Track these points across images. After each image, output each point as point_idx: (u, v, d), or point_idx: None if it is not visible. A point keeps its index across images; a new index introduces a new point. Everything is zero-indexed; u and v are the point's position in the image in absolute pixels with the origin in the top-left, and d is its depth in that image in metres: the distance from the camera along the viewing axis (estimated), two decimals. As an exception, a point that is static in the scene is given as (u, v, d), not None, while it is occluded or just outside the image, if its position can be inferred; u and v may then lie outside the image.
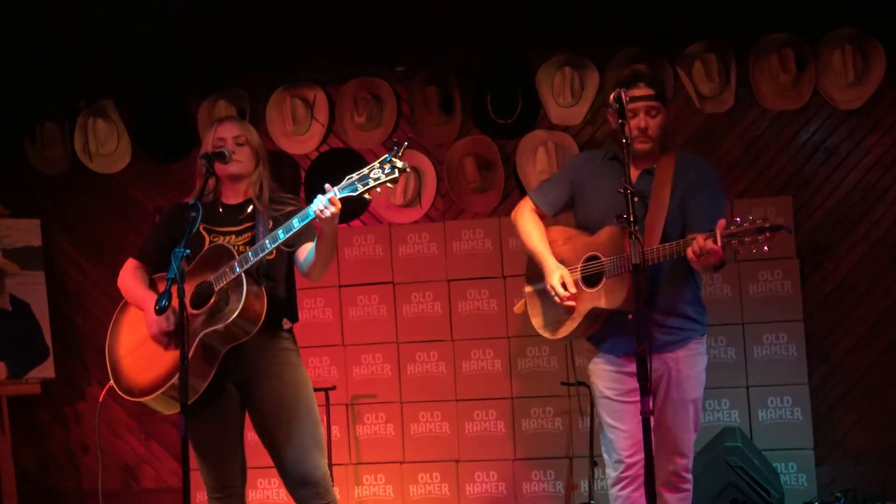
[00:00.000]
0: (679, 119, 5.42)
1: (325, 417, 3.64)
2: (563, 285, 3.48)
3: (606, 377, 3.54)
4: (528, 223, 3.70)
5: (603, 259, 3.42)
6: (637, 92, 3.44)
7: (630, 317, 3.36)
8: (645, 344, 3.03)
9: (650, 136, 3.45)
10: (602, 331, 3.53)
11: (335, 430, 5.38)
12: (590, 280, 3.47)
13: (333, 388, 5.27)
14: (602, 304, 3.41)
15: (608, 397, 3.53)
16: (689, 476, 3.54)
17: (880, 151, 5.31)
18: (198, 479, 3.80)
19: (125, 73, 5.69)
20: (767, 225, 3.05)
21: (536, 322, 3.70)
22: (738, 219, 3.11)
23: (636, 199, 3.25)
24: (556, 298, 3.49)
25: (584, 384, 5.06)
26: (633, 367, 3.37)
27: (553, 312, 3.61)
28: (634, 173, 3.48)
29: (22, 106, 5.99)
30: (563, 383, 5.17)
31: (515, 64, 5.63)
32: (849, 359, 5.28)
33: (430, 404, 5.43)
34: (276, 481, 5.45)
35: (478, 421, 5.38)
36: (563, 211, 3.71)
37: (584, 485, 5.10)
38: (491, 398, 5.37)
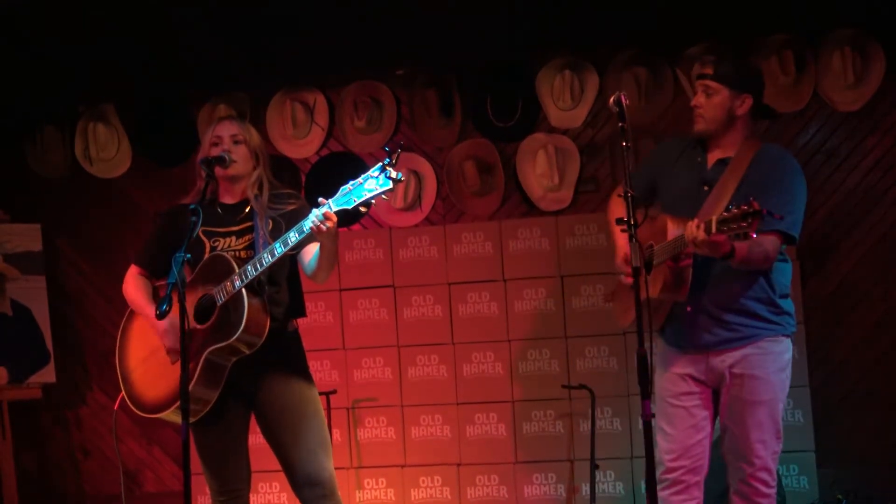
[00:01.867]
0: (680, 121, 5.41)
1: (326, 421, 3.64)
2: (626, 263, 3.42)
3: (663, 376, 3.52)
4: (614, 205, 3.66)
5: (655, 247, 3.40)
6: (699, 70, 3.48)
7: (689, 308, 3.37)
8: (647, 346, 3.00)
9: (701, 114, 3.43)
10: (670, 323, 3.49)
11: (336, 433, 5.37)
12: (647, 268, 3.42)
13: (334, 391, 5.26)
14: (650, 292, 3.35)
15: (660, 397, 3.50)
16: (765, 489, 3.38)
17: (880, 153, 5.31)
18: (199, 483, 3.80)
19: (125, 77, 5.69)
20: (752, 211, 2.97)
21: (616, 311, 3.74)
22: (730, 205, 3.10)
23: (705, 187, 3.24)
24: (622, 276, 3.50)
25: (586, 387, 5.09)
26: (691, 370, 3.42)
27: (622, 300, 3.61)
28: (712, 160, 3.46)
29: (22, 110, 5.99)
30: (563, 386, 5.16)
31: (515, 67, 5.63)
32: (849, 360, 5.27)
33: (431, 408, 5.42)
34: (277, 485, 5.45)
35: (479, 424, 5.37)
36: (651, 200, 3.63)
37: (585, 488, 5.10)
38: (492, 401, 5.36)
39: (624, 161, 3.16)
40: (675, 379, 3.47)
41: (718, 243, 3.13)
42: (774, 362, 3.41)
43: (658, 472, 3.46)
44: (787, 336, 3.45)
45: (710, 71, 3.44)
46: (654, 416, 3.03)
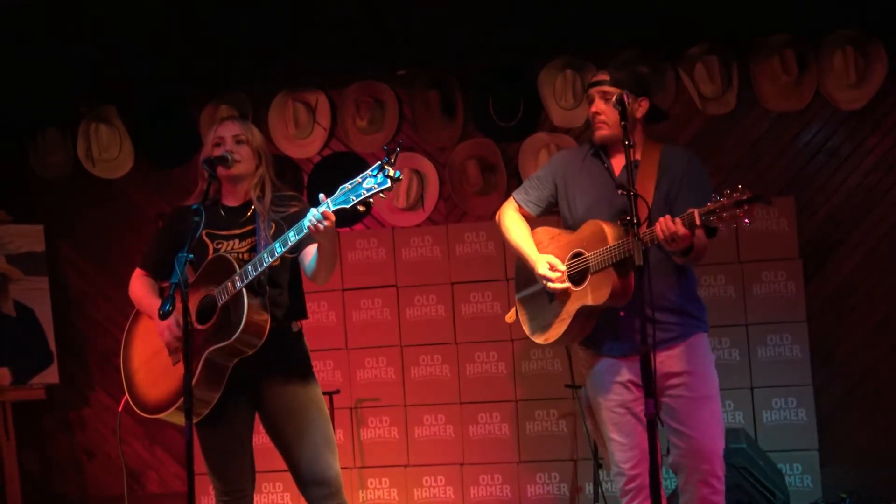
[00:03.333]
0: (681, 121, 5.43)
1: (330, 420, 3.64)
2: (552, 270, 3.40)
3: (604, 387, 3.47)
4: (511, 221, 3.63)
5: (587, 254, 3.36)
6: (594, 78, 3.49)
7: (622, 313, 3.36)
8: (649, 343, 2.99)
9: (604, 120, 3.42)
10: (596, 332, 3.46)
11: (339, 433, 5.37)
12: (576, 278, 3.40)
13: (337, 391, 5.27)
14: (589, 301, 3.34)
15: (606, 408, 3.46)
16: (721, 486, 3.36)
17: (882, 152, 5.31)
18: (202, 484, 3.81)
19: (126, 78, 5.69)
20: (745, 197, 2.98)
21: (528, 328, 3.61)
22: (715, 195, 3.07)
23: (620, 191, 3.24)
24: (549, 285, 3.40)
25: (581, 387, 5.08)
26: (631, 376, 3.38)
27: (542, 316, 3.54)
28: (617, 166, 3.45)
29: (24, 112, 6.00)
30: (567, 385, 5.15)
31: (517, 66, 5.64)
32: (852, 359, 5.27)
33: (434, 407, 5.43)
34: (280, 485, 5.45)
35: (482, 424, 5.38)
36: (548, 211, 3.66)
37: (588, 487, 5.10)
38: (495, 401, 5.36)
39: (628, 161, 3.17)
40: (618, 388, 3.43)
41: (688, 237, 3.14)
42: (708, 358, 3.45)
43: (620, 484, 3.45)
44: (706, 333, 3.49)
45: (606, 77, 3.45)
46: (656, 414, 3.02)
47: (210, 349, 3.34)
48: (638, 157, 3.46)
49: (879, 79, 5.22)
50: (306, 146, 5.83)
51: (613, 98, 3.32)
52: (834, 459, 5.18)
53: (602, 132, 3.46)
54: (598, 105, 3.45)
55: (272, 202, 3.53)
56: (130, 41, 5.23)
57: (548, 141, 5.50)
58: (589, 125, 5.41)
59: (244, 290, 3.30)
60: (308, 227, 3.18)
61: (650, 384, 2.98)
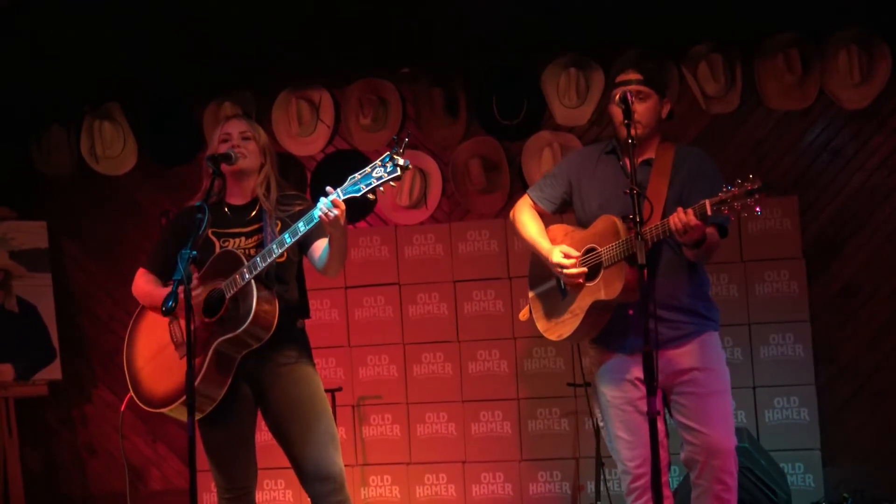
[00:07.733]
0: (685, 120, 5.42)
1: (333, 417, 3.65)
2: (566, 257, 3.40)
3: (612, 384, 3.48)
4: (526, 217, 3.65)
5: (599, 249, 3.37)
6: (624, 77, 3.45)
7: (631, 311, 3.36)
8: (651, 342, 3.00)
9: (638, 120, 3.38)
10: (606, 330, 3.46)
11: (341, 431, 5.38)
12: (589, 273, 3.41)
13: (339, 389, 5.27)
14: (602, 295, 3.35)
15: (613, 405, 3.47)
16: (734, 483, 3.37)
17: (886, 151, 5.30)
18: (204, 481, 3.81)
19: (130, 76, 5.70)
20: (757, 186, 2.99)
21: (541, 325, 3.63)
22: (725, 185, 3.07)
23: (626, 190, 3.24)
24: (564, 272, 3.40)
25: (591, 385, 5.08)
26: (639, 373, 3.35)
27: (555, 312, 3.55)
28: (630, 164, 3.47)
29: (28, 109, 6.01)
30: (569, 384, 5.16)
31: (520, 65, 5.63)
32: (856, 359, 5.27)
33: (436, 405, 5.43)
34: (282, 482, 5.46)
35: (484, 422, 5.38)
36: (563, 208, 3.68)
37: (590, 486, 5.10)
38: (497, 399, 5.36)
39: (631, 159, 3.17)
40: (626, 385, 3.44)
41: (700, 227, 3.14)
42: (719, 355, 3.45)
43: (626, 482, 3.45)
44: (717, 332, 3.50)
45: (640, 76, 3.43)
46: (658, 413, 3.02)
47: (219, 340, 3.34)
48: (652, 155, 3.47)
49: (884, 78, 5.21)
50: (309, 144, 5.83)
51: (617, 96, 3.31)
52: (836, 459, 5.17)
53: (636, 131, 3.43)
54: (633, 105, 3.38)
55: (277, 201, 3.55)
56: (134, 39, 5.23)
57: (551, 139, 5.50)
58: (593, 123, 5.53)
59: (253, 281, 3.31)
60: (319, 217, 3.19)
61: (652, 382, 2.98)
